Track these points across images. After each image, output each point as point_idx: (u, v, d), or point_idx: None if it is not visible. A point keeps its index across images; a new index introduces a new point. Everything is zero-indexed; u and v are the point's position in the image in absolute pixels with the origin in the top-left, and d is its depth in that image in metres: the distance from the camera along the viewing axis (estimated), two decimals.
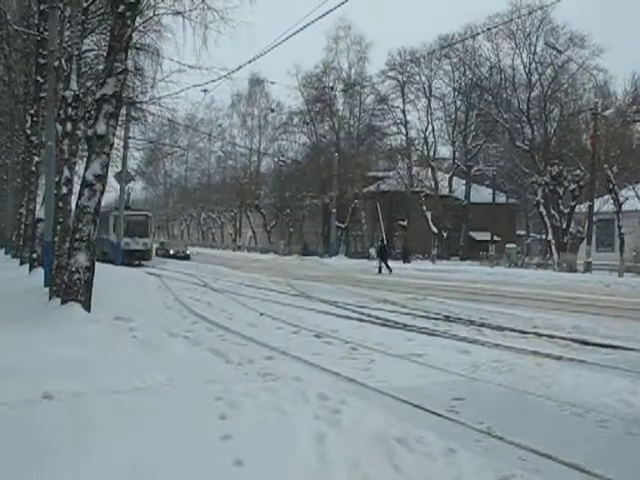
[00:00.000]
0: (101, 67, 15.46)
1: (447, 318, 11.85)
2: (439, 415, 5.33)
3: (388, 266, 29.64)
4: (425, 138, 50.77)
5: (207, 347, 8.08)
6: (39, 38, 17.58)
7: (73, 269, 9.04)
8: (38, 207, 19.88)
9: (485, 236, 45.18)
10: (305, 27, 16.79)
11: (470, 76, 49.75)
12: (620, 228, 32.09)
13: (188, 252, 38.50)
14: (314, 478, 3.84)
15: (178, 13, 18.72)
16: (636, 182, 33.54)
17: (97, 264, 9.74)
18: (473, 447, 4.49)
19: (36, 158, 20.05)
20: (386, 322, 11.13)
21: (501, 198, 49.52)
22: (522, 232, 52.19)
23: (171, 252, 39.25)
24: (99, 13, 18.11)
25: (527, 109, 44.79)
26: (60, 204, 12.99)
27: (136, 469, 3.78)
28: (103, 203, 10.18)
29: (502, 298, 15.98)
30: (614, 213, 32.60)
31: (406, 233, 48.26)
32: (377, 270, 29.95)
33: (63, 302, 9.08)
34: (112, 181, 26.68)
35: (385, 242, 33.65)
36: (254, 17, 17.82)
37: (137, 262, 31.25)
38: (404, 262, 38.14)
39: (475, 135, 51.79)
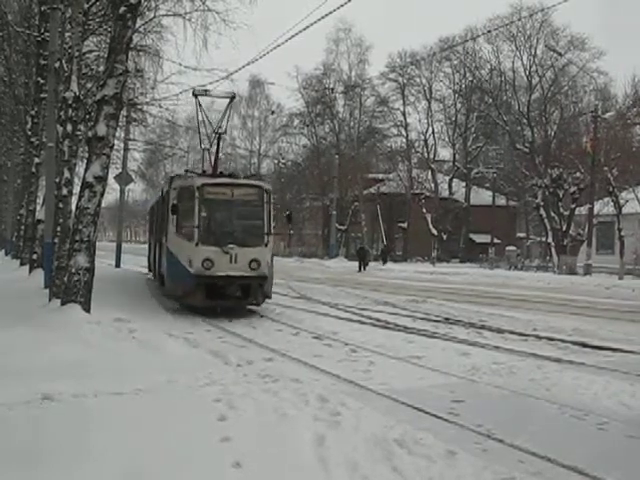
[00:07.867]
0: (101, 68, 15.46)
1: (447, 320, 11.85)
2: (439, 417, 5.32)
3: (365, 267, 34.04)
4: (425, 140, 50.77)
5: (206, 349, 8.08)
6: (40, 39, 17.61)
7: (73, 270, 9.04)
8: (38, 208, 19.88)
9: (485, 238, 45.16)
10: (305, 29, 16.82)
11: (470, 78, 49.77)
12: (620, 231, 32.03)
13: None
14: None
15: (179, 15, 18.85)
16: (636, 185, 33.47)
17: (96, 264, 9.73)
18: (472, 449, 4.49)
19: (36, 159, 20.04)
20: (386, 324, 11.12)
21: (501, 200, 49.48)
22: (522, 234, 52.14)
23: None
24: (100, 14, 18.16)
25: (527, 111, 44.80)
26: (60, 205, 12.98)
27: (135, 470, 3.78)
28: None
29: (502, 300, 15.98)
30: (614, 216, 32.56)
31: (406, 235, 48.24)
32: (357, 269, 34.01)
33: (63, 303, 9.08)
34: (112, 182, 26.57)
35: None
36: (255, 19, 17.89)
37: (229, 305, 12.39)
38: (383, 263, 38.22)
39: (475, 137, 51.78)
